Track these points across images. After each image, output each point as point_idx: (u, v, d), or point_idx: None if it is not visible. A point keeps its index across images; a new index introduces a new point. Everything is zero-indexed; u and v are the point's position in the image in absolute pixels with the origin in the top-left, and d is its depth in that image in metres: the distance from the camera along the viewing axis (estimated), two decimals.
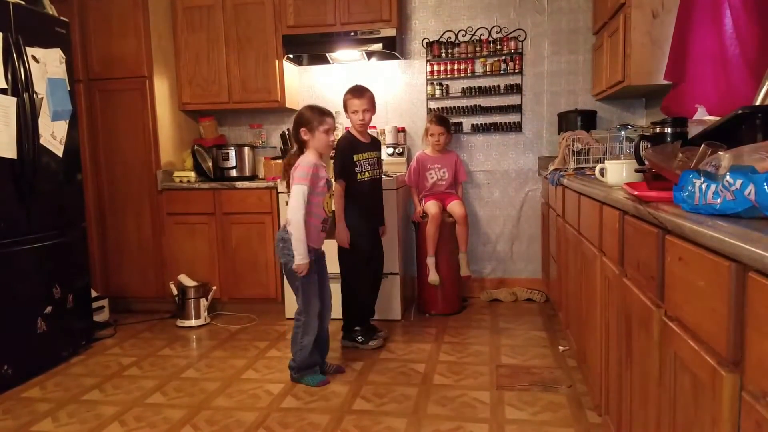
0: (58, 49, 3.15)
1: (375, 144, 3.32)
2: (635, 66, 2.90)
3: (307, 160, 2.69)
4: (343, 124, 4.03)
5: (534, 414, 2.37)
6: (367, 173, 3.19)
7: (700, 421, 1.07)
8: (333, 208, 2.84)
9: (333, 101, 4.08)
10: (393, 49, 3.93)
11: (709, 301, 1.00)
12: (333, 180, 2.84)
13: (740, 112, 1.45)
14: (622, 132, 3.11)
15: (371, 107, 3.16)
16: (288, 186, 2.74)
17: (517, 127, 4.15)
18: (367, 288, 3.31)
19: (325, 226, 2.80)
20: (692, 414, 1.11)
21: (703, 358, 1.02)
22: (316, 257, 2.77)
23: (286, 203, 3.69)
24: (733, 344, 0.92)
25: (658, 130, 1.87)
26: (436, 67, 4.19)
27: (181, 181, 3.98)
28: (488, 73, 4.13)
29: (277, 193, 3.77)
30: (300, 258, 2.63)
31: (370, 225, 3.26)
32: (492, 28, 4.11)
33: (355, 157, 3.14)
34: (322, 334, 2.85)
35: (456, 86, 4.20)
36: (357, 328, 3.25)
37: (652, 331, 1.34)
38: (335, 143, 2.79)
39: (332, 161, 3.14)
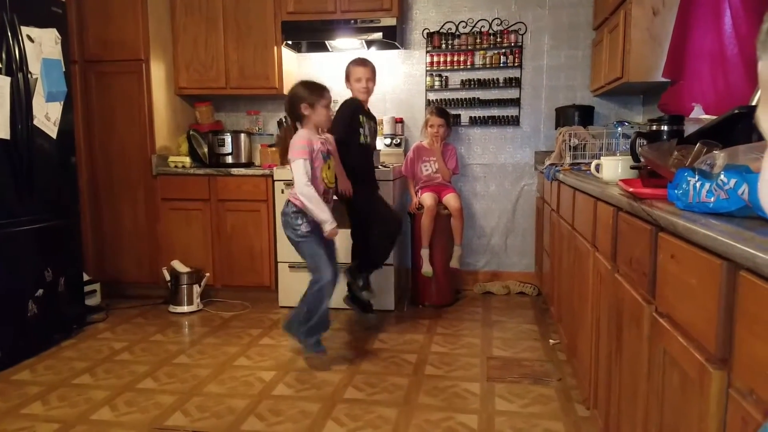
0: (54, 29, 3.12)
1: (373, 116, 3.38)
2: (634, 63, 2.89)
3: (299, 134, 2.75)
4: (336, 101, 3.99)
5: (523, 406, 2.39)
6: (367, 137, 3.23)
7: (687, 417, 1.08)
8: (332, 179, 2.87)
9: (332, 89, 4.05)
10: (393, 38, 3.91)
11: (700, 299, 1.01)
12: (330, 149, 2.87)
13: (736, 111, 1.45)
14: (619, 128, 3.12)
15: (374, 78, 3.21)
16: (292, 155, 2.76)
17: (514, 121, 4.14)
18: (376, 239, 3.29)
19: (327, 197, 2.83)
20: (680, 409, 1.12)
21: (692, 354, 1.03)
22: (319, 227, 2.79)
23: (282, 191, 3.71)
24: (722, 342, 0.93)
25: (654, 127, 1.87)
26: (435, 58, 4.17)
27: (176, 167, 3.96)
28: (488, 65, 4.12)
29: (273, 180, 3.76)
30: (328, 224, 2.70)
31: (368, 187, 3.28)
32: (493, 21, 4.10)
33: (360, 118, 3.17)
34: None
35: (455, 78, 4.19)
36: (360, 280, 3.29)
37: (643, 326, 1.35)
38: (331, 119, 2.85)
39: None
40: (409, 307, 3.85)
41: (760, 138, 1.36)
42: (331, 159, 2.86)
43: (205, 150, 4.05)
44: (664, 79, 2.63)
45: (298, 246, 2.80)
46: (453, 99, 4.19)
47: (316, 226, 2.77)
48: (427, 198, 3.75)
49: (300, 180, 2.67)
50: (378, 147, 4.12)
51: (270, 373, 2.76)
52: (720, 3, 2.10)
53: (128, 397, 2.50)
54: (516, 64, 4.09)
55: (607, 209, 1.76)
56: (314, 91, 2.77)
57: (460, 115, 4.20)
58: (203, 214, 3.92)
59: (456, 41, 4.13)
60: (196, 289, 3.77)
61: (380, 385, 2.62)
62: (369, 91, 3.20)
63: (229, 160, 4.05)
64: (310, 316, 2.80)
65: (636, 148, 1.85)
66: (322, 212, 2.69)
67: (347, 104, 3.17)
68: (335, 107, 3.25)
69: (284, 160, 2.84)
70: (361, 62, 3.19)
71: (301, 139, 2.72)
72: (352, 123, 3.14)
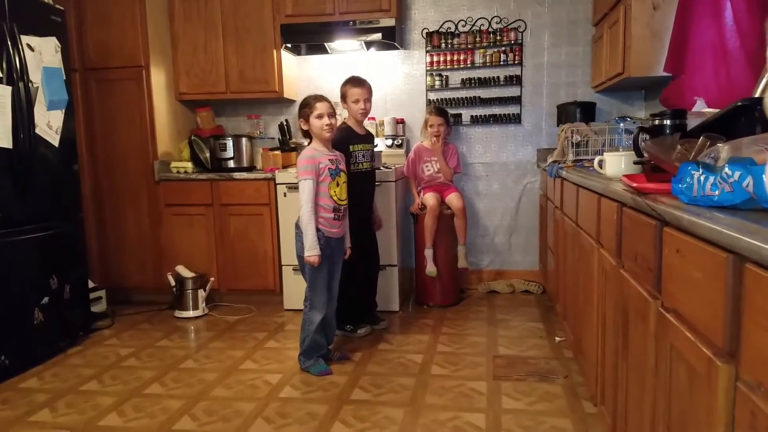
0: (54, 38, 3.13)
1: (370, 137, 3.33)
2: (635, 58, 2.89)
3: (303, 153, 2.76)
4: (341, 115, 4.02)
5: (530, 404, 2.38)
6: (361, 165, 3.18)
7: (695, 411, 1.07)
8: (343, 196, 2.82)
9: (332, 91, 4.04)
10: (392, 39, 3.91)
11: (706, 293, 1.01)
12: (340, 166, 2.83)
13: (739, 104, 1.44)
14: (621, 124, 3.11)
15: (370, 97, 3.17)
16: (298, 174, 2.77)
17: (516, 119, 4.14)
18: (358, 282, 3.28)
19: (338, 214, 2.79)
20: (687, 404, 1.12)
21: (699, 349, 1.03)
22: (331, 246, 2.79)
23: (285, 194, 3.71)
24: (729, 335, 0.92)
25: (657, 122, 1.86)
26: (435, 58, 4.17)
27: (178, 172, 3.97)
28: (488, 64, 4.12)
29: (275, 184, 3.76)
30: (308, 250, 2.68)
31: (361, 216, 3.22)
32: (492, 19, 4.09)
33: (351, 148, 3.12)
34: (329, 319, 2.87)
35: (455, 77, 4.19)
36: (348, 326, 3.27)
37: (649, 322, 1.34)
38: (333, 127, 2.79)
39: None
40: (413, 307, 3.85)
41: (764, 130, 1.36)
42: (340, 176, 2.80)
43: (207, 155, 4.06)
44: (665, 74, 2.62)
45: (302, 261, 2.78)
46: (454, 98, 4.19)
47: (326, 246, 2.74)
48: (429, 198, 3.74)
49: (302, 201, 2.69)
50: (379, 148, 4.12)
51: (276, 376, 2.76)
52: None
53: (136, 403, 2.51)
54: (516, 62, 4.08)
55: (611, 205, 1.76)
56: (304, 106, 2.77)
57: (461, 114, 4.20)
58: (206, 219, 3.92)
59: (455, 40, 4.13)
60: (201, 293, 3.77)
61: (386, 385, 2.61)
62: (367, 112, 3.16)
63: (231, 164, 4.05)
64: (303, 338, 2.81)
65: (639, 143, 1.85)
66: (309, 237, 2.67)
67: (339, 134, 3.04)
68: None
69: None
70: (358, 83, 3.12)
71: (303, 158, 2.72)
72: (342, 152, 3.05)
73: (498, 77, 4.11)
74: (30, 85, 2.93)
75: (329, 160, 2.76)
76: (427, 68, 4.20)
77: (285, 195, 3.71)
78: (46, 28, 3.08)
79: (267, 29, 4.00)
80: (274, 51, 4.02)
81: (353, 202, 3.10)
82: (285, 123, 4.13)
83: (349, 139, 3.13)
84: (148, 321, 3.71)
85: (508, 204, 4.24)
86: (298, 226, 2.77)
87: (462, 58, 4.13)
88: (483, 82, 4.14)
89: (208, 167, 4.05)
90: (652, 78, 2.97)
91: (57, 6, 3.21)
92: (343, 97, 3.15)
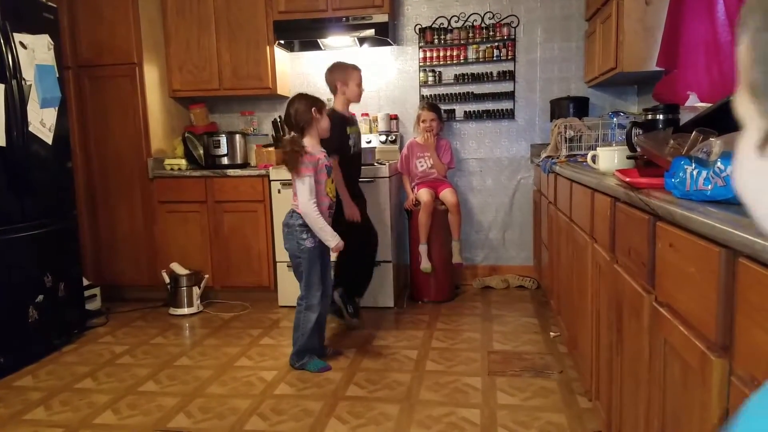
0: (46, 35, 3.10)
1: (355, 119, 3.44)
2: (627, 53, 2.89)
3: (313, 148, 2.70)
4: (330, 100, 3.98)
5: (525, 399, 2.39)
6: (354, 146, 3.29)
7: (689, 406, 1.08)
8: (334, 192, 2.85)
9: (325, 88, 4.05)
10: (385, 35, 3.90)
11: (700, 287, 1.01)
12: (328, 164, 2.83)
13: (731, 98, 1.45)
14: (614, 119, 3.11)
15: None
16: (297, 172, 2.65)
17: (509, 115, 4.14)
18: (359, 264, 3.36)
19: (331, 212, 2.82)
20: (682, 398, 1.12)
21: (693, 343, 1.03)
22: (321, 243, 2.78)
23: (279, 191, 3.70)
24: (723, 330, 0.93)
25: (649, 116, 1.87)
26: (428, 54, 4.17)
27: (172, 169, 3.95)
28: (481, 59, 4.12)
29: (269, 181, 3.76)
30: (332, 240, 2.68)
31: (354, 195, 3.26)
32: (485, 14, 4.09)
33: (348, 130, 3.22)
34: (322, 318, 2.87)
35: (449, 73, 4.19)
36: (350, 307, 3.31)
37: (643, 317, 1.35)
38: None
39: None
40: (408, 303, 3.86)
41: None
42: (330, 173, 2.81)
43: (201, 152, 4.05)
44: (658, 69, 2.63)
45: (298, 261, 2.74)
46: (447, 94, 4.19)
47: (319, 243, 2.73)
48: (423, 194, 3.74)
49: (305, 198, 2.63)
50: (373, 144, 4.12)
51: (271, 373, 2.76)
52: None
53: (130, 401, 2.50)
54: (509, 58, 4.08)
55: (605, 200, 1.76)
56: (318, 99, 2.80)
57: (454, 110, 4.20)
58: (200, 216, 3.91)
59: (448, 36, 4.13)
60: (196, 290, 3.76)
61: (381, 381, 2.62)
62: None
63: (225, 161, 4.04)
64: (297, 337, 2.79)
65: (632, 138, 1.85)
66: (323, 230, 2.66)
67: (335, 121, 3.03)
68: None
69: (292, 162, 2.67)
70: (359, 68, 3.25)
71: (315, 154, 2.69)
72: (342, 137, 3.12)
73: (491, 73, 4.12)
74: (23, 82, 2.91)
75: (324, 155, 2.76)
76: (420, 64, 4.20)
77: (279, 192, 3.71)
78: (39, 26, 3.06)
79: (260, 25, 3.98)
80: (267, 47, 4.00)
81: (349, 184, 3.19)
82: (278, 119, 4.12)
83: (344, 122, 3.20)
84: (143, 318, 3.70)
85: (502, 199, 4.25)
86: (287, 225, 2.74)
87: (455, 53, 4.13)
88: (476, 78, 4.14)
89: (201, 164, 4.04)
90: (645, 73, 2.97)
91: (49, 3, 3.18)
92: (345, 79, 3.18)
